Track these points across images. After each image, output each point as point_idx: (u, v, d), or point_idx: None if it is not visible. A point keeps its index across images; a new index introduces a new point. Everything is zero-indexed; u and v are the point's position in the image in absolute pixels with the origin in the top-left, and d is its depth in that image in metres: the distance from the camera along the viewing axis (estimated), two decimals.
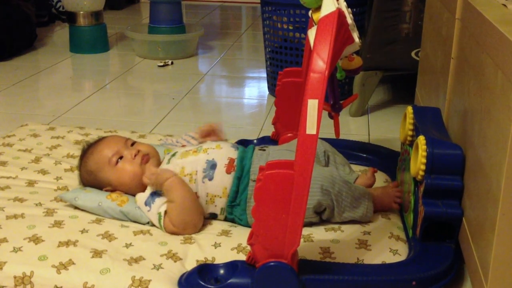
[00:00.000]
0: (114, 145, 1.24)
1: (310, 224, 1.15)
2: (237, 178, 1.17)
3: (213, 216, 1.20)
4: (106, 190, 1.23)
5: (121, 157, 1.22)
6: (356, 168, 1.40)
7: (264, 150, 1.24)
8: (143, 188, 1.20)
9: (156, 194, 1.16)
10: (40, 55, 2.70)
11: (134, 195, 1.20)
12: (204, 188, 1.17)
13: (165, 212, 1.13)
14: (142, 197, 1.18)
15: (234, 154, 1.21)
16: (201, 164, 1.17)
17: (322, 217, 1.15)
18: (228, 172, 1.17)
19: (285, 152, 1.22)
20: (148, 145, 1.28)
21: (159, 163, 1.24)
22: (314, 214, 1.14)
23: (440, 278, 1.00)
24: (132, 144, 1.25)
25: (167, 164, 1.20)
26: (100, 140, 1.28)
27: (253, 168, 1.17)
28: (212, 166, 1.18)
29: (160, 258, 1.04)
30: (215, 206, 1.18)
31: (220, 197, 1.17)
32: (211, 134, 1.38)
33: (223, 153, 1.20)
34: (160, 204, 1.14)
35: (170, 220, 1.13)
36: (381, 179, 1.35)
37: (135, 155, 1.22)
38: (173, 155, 1.23)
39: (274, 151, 1.24)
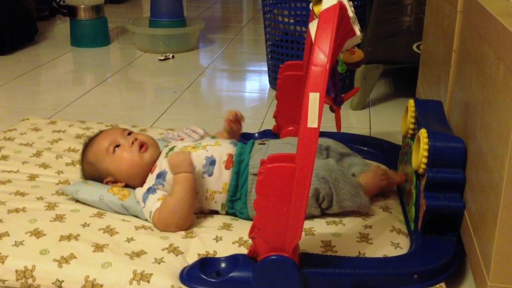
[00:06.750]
0: (111, 136, 1.25)
1: (312, 218, 1.15)
2: (235, 172, 1.17)
3: (214, 213, 1.20)
4: (107, 182, 1.23)
5: (118, 146, 1.23)
6: None
7: (264, 143, 1.24)
8: (143, 178, 1.20)
9: (151, 190, 1.16)
10: (41, 49, 2.69)
11: (135, 186, 1.21)
12: (204, 183, 1.16)
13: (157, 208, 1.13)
14: (140, 192, 1.18)
15: (232, 150, 1.20)
16: (200, 160, 1.17)
17: (321, 206, 1.15)
18: (227, 167, 1.17)
19: (284, 145, 1.22)
20: (146, 135, 1.28)
21: (158, 153, 1.24)
22: (314, 203, 1.13)
23: (441, 271, 1.00)
24: (129, 134, 1.26)
25: (165, 158, 1.20)
26: (99, 133, 1.30)
27: (252, 162, 1.17)
28: (212, 162, 1.17)
29: (161, 252, 1.04)
30: (216, 202, 1.18)
31: (220, 193, 1.17)
32: (236, 122, 1.38)
33: (222, 150, 1.20)
34: (152, 203, 1.14)
35: (160, 212, 1.12)
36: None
37: (132, 143, 1.22)
38: (171, 149, 1.22)
39: (273, 144, 1.24)
